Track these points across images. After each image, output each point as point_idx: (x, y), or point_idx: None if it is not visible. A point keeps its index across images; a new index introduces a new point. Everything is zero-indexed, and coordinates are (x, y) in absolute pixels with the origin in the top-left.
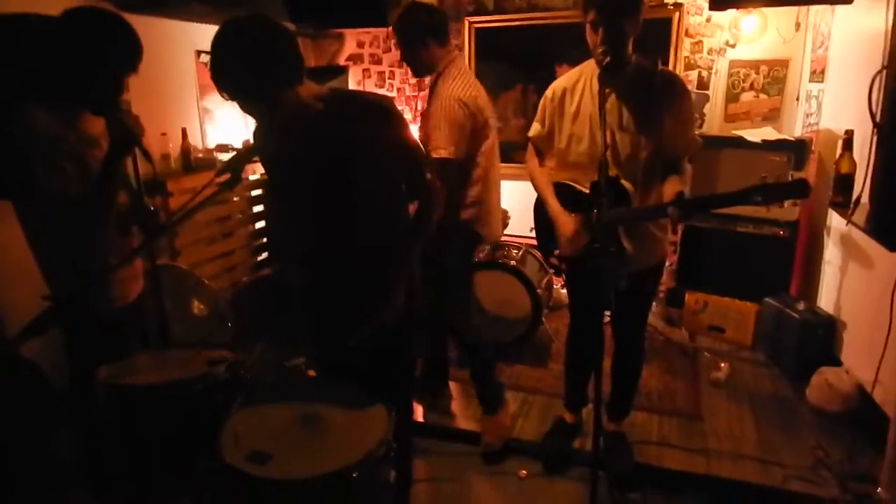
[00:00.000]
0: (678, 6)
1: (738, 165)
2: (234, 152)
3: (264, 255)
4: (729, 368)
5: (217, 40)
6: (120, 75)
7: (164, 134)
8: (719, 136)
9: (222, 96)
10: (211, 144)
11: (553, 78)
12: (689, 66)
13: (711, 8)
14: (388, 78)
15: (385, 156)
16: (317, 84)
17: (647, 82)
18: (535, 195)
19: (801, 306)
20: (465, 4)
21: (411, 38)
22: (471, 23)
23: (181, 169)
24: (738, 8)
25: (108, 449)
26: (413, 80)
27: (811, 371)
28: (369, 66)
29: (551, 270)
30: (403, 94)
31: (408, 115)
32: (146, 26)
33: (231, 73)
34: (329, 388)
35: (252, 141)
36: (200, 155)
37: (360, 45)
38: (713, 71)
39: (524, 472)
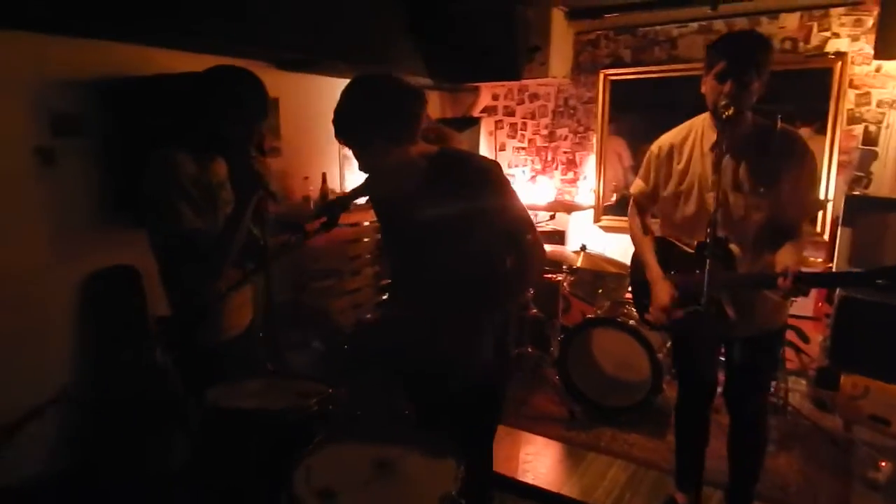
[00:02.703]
0: (841, 56)
1: None
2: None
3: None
4: (891, 469)
5: (344, 92)
6: (250, 124)
7: (306, 178)
8: (888, 198)
9: (339, 142)
10: (347, 189)
11: None
12: (853, 120)
13: (877, 57)
14: (521, 129)
15: (484, 218)
16: (457, 131)
17: (765, 141)
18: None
19: None
20: (601, 58)
21: None
22: (606, 75)
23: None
24: None
25: (203, 464)
26: (544, 132)
27: None
28: (502, 117)
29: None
30: (535, 144)
31: (537, 166)
32: (299, 81)
33: (350, 124)
34: (410, 434)
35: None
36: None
37: (495, 97)
38: (884, 125)
39: None
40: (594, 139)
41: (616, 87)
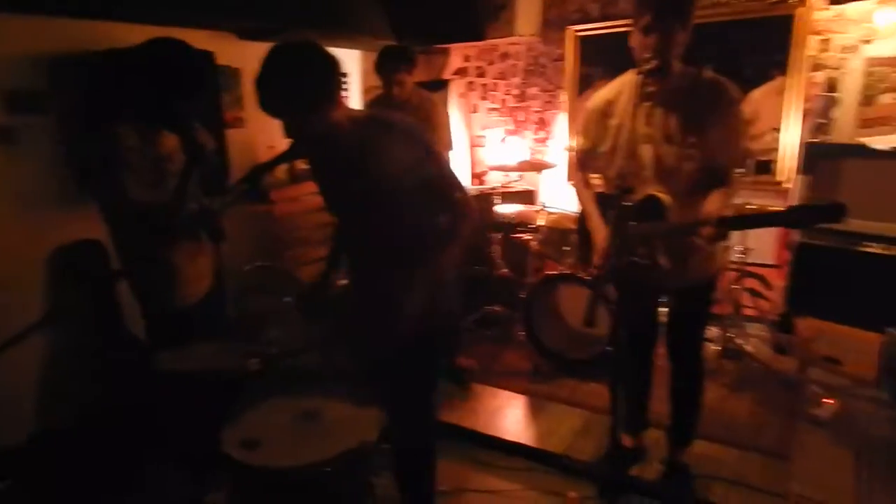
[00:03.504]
0: (802, 1)
1: (866, 176)
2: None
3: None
4: (837, 406)
5: (262, 62)
6: (189, 95)
7: (271, 147)
8: (841, 143)
9: (263, 111)
10: None
11: None
12: (816, 67)
13: (833, 2)
14: (492, 90)
15: (403, 175)
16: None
17: (692, 90)
18: None
19: None
20: (569, 13)
21: None
22: (574, 31)
23: (287, 180)
24: None
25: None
26: (516, 92)
27: None
28: (474, 78)
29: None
30: (507, 105)
31: (510, 126)
32: (261, 51)
33: (268, 92)
34: (341, 388)
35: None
36: (305, 166)
37: (467, 58)
38: (845, 71)
39: (574, 494)
40: (564, 98)
41: (585, 44)
